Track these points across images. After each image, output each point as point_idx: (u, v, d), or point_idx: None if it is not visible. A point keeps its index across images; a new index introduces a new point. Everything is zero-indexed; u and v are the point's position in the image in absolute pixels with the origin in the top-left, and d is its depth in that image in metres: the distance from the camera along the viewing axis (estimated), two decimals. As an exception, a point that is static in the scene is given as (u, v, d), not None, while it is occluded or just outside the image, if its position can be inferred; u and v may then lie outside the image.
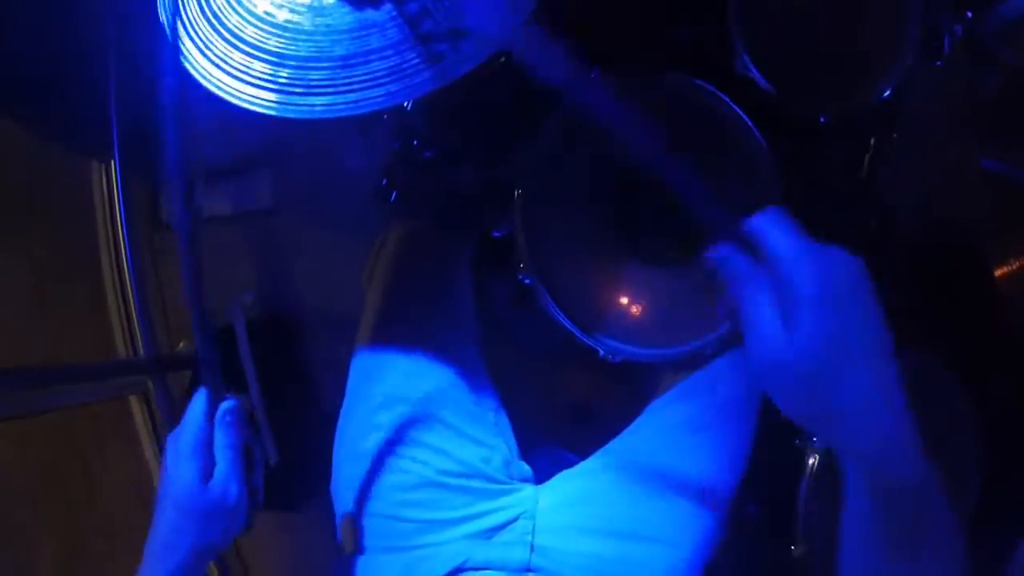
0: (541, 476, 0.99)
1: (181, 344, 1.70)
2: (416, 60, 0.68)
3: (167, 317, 1.69)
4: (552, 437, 1.07)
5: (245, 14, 0.74)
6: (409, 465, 0.90)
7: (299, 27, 0.73)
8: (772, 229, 0.53)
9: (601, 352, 0.93)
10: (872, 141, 1.16)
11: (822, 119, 0.98)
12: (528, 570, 0.87)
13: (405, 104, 1.10)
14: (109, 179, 1.61)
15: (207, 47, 0.74)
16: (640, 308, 0.97)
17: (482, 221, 1.00)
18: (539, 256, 0.90)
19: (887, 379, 0.50)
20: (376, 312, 0.98)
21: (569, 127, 0.94)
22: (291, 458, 1.48)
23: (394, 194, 1.17)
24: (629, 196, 0.98)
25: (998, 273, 1.11)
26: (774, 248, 0.53)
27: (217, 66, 0.73)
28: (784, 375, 0.51)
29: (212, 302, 1.59)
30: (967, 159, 1.13)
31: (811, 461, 1.03)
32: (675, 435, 0.94)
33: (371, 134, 1.36)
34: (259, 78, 0.72)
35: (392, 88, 0.68)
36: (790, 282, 0.51)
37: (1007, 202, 1.12)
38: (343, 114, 0.69)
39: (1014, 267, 1.12)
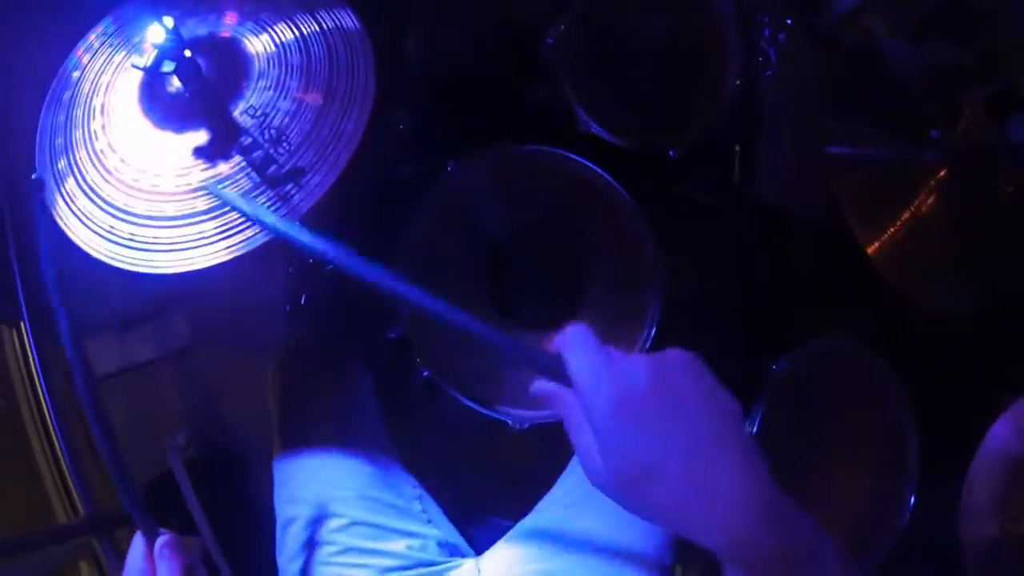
0: (484, 547, 1.04)
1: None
2: (267, 203, 0.78)
3: (106, 473, 1.70)
4: (490, 507, 1.13)
5: (115, 182, 0.84)
6: (349, 572, 0.96)
7: (161, 189, 0.83)
8: (569, 356, 0.56)
9: (509, 422, 1.01)
10: (737, 149, 1.30)
11: (672, 153, 1.11)
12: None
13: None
14: (22, 341, 1.64)
15: (83, 213, 0.83)
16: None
17: (378, 325, 1.09)
18: (432, 348, 0.99)
19: (719, 470, 0.52)
20: (280, 433, 1.05)
21: (435, 220, 1.05)
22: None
23: (299, 313, 1.26)
24: (500, 272, 1.08)
25: (870, 251, 1.23)
26: (573, 377, 0.55)
27: (98, 234, 0.82)
28: (610, 490, 0.54)
29: (147, 449, 1.62)
30: (821, 148, 1.25)
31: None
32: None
33: (273, 259, 1.45)
34: (128, 239, 0.81)
35: (252, 232, 0.78)
36: (588, 410, 0.54)
37: (862, 180, 1.25)
38: (215, 262, 0.79)
39: (883, 241, 1.25)
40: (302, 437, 1.04)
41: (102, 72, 0.86)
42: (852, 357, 1.23)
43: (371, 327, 1.10)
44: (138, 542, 0.76)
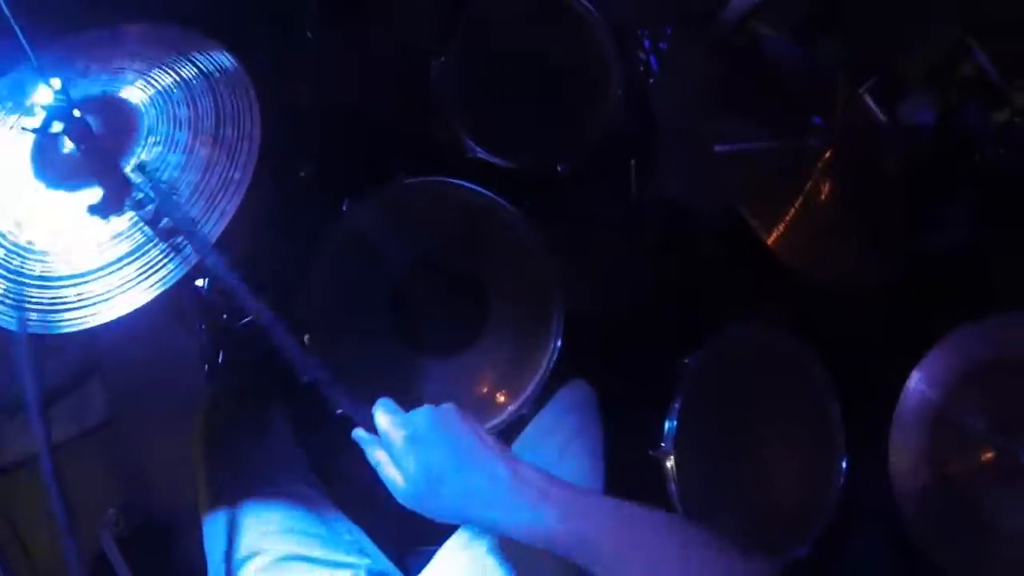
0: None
1: (56, 587, 1.65)
2: (161, 256, 0.80)
3: (34, 562, 1.64)
4: (421, 535, 1.14)
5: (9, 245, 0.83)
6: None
7: (59, 249, 0.83)
8: (378, 416, 0.82)
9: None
10: (632, 163, 1.38)
11: (560, 170, 1.17)
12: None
13: (201, 284, 1.21)
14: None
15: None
16: (443, 396, 1.09)
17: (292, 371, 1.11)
18: (343, 389, 1.01)
19: (479, 482, 0.76)
20: (207, 489, 1.06)
21: (336, 259, 1.08)
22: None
23: (217, 370, 1.26)
24: (403, 303, 1.12)
25: (769, 240, 1.32)
26: (380, 429, 0.81)
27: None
28: (414, 502, 0.78)
29: (78, 532, 1.58)
30: (710, 148, 1.33)
31: (668, 464, 1.16)
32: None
33: (186, 318, 1.45)
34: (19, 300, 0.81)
35: (147, 287, 0.79)
36: (389, 450, 0.79)
37: (753, 174, 1.33)
38: (114, 316, 0.80)
39: (780, 230, 1.33)
40: (229, 490, 1.05)
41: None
42: (764, 339, 1.30)
43: (287, 374, 1.12)
44: None
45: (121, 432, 1.62)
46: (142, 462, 1.63)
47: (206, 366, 1.29)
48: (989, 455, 1.33)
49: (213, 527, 1.04)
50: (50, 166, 0.83)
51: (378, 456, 0.81)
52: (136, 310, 0.82)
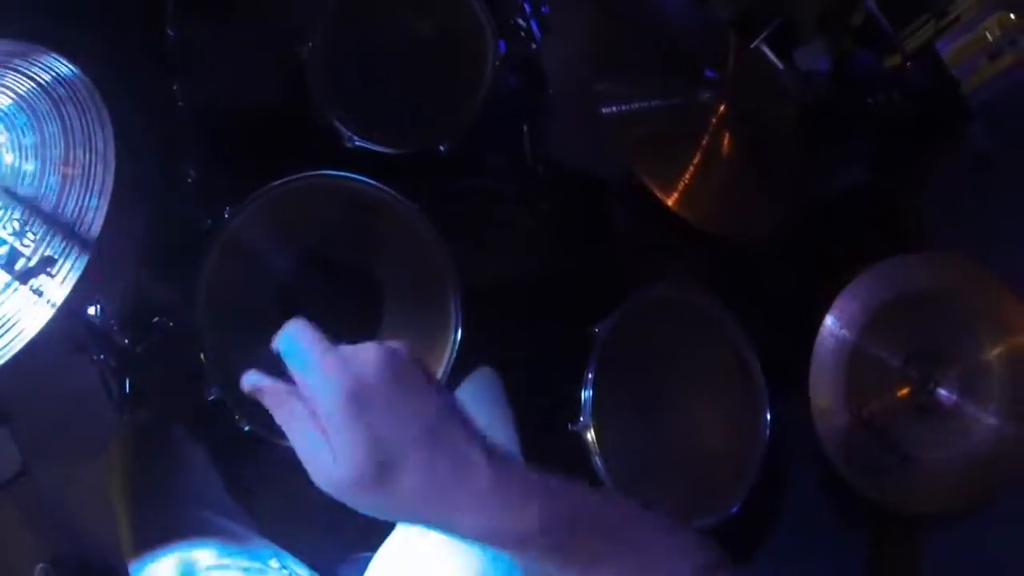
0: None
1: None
2: (22, 302, 0.77)
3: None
4: (353, 544, 1.14)
5: None
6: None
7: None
8: (289, 353, 0.54)
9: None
10: (525, 130, 1.38)
11: (442, 149, 1.16)
12: None
13: (92, 313, 1.17)
14: None
15: None
16: None
17: (198, 391, 1.09)
18: (246, 401, 1.00)
19: (450, 455, 0.52)
20: (126, 527, 1.03)
21: (222, 267, 1.06)
22: None
23: (123, 398, 1.22)
24: (294, 304, 1.10)
25: (670, 202, 1.34)
26: (295, 369, 0.54)
27: None
28: (349, 493, 0.51)
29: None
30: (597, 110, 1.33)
31: (589, 437, 1.18)
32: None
33: (86, 350, 1.40)
34: None
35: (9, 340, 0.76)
36: (315, 402, 0.52)
37: (645, 135, 1.35)
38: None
39: (680, 190, 1.35)
40: (148, 530, 1.02)
41: None
42: (674, 300, 1.32)
43: (192, 395, 1.09)
44: None
45: (39, 481, 1.56)
46: (66, 508, 1.57)
47: (112, 398, 1.25)
48: (905, 390, 1.39)
49: (138, 572, 1.01)
50: None
51: (296, 423, 0.54)
52: (31, 351, 0.79)
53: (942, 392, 1.38)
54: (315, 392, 0.52)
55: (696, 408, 1.31)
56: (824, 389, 1.37)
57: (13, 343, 0.76)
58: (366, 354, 0.53)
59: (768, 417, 1.34)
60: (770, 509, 1.46)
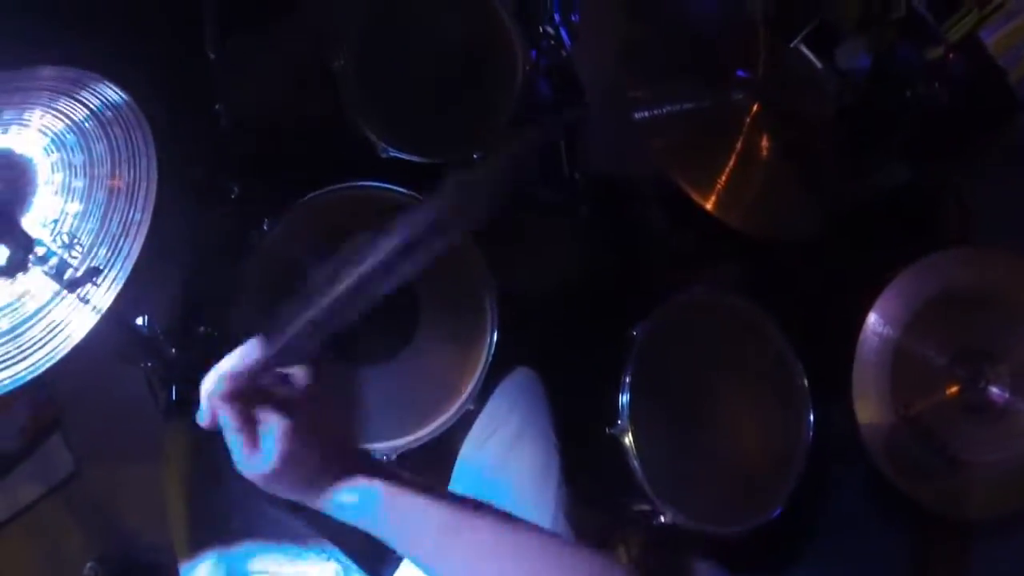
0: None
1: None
2: (70, 308, 0.80)
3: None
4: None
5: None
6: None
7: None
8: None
9: (381, 457, 1.06)
10: (562, 146, 1.38)
11: (476, 158, 1.18)
12: None
13: (140, 323, 1.21)
14: None
15: None
16: (387, 402, 1.10)
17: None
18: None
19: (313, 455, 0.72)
20: (181, 523, 1.06)
21: (261, 281, 1.09)
22: None
23: (171, 407, 1.26)
24: None
25: (708, 205, 1.31)
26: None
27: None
28: (262, 482, 0.73)
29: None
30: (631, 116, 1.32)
31: (627, 440, 1.18)
32: (485, 485, 1.07)
33: (135, 359, 1.44)
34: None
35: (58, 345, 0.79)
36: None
37: (680, 139, 1.33)
38: (27, 380, 0.79)
39: (718, 193, 1.33)
40: (202, 536, 1.05)
41: None
42: (713, 302, 1.31)
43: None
44: None
45: (90, 483, 1.61)
46: (115, 509, 1.62)
47: (159, 405, 1.29)
48: (953, 389, 1.35)
49: (189, 572, 1.04)
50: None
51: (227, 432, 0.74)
52: (81, 357, 0.82)
53: (993, 390, 1.34)
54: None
55: (736, 411, 1.29)
56: (868, 389, 1.35)
57: (61, 347, 0.78)
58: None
59: (811, 419, 1.32)
60: (814, 512, 1.43)
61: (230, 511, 1.08)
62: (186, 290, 1.26)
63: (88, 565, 1.57)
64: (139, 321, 1.21)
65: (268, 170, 1.32)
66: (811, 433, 1.31)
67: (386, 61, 1.23)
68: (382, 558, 1.13)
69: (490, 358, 1.12)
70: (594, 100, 1.37)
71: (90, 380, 1.54)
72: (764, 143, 1.40)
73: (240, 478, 1.11)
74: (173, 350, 1.29)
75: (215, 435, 1.15)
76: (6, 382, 0.80)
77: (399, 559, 1.11)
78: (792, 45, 1.44)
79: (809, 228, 1.41)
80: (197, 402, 1.23)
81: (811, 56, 1.45)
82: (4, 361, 0.80)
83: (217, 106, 1.26)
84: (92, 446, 1.61)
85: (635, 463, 1.16)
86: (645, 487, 1.16)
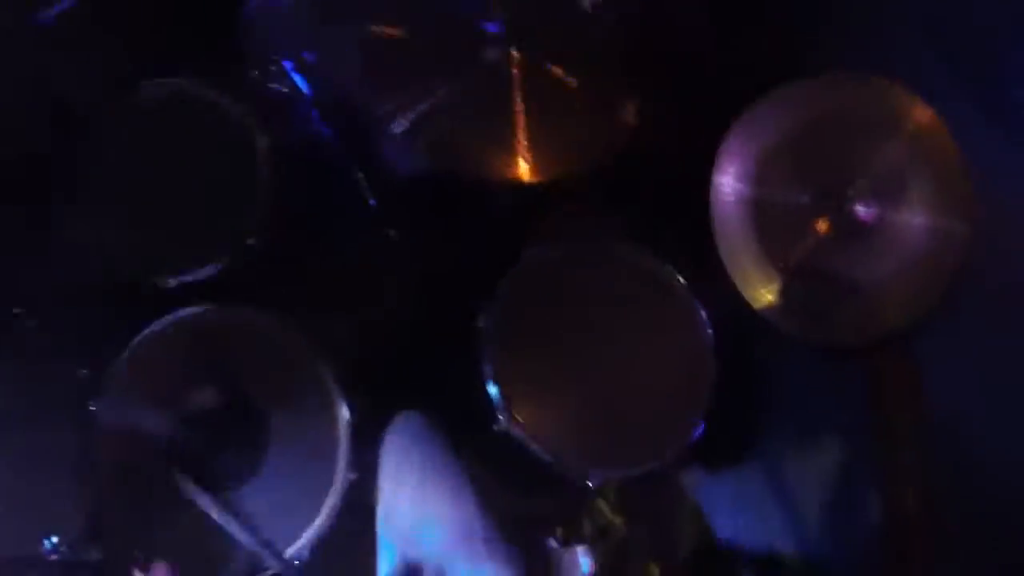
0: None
1: None
2: None
3: None
4: None
5: None
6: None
7: None
8: None
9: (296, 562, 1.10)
10: (360, 176, 1.36)
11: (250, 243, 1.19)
12: None
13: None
14: None
15: None
16: (268, 512, 1.11)
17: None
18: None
19: None
20: None
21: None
22: None
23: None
24: (187, 460, 1.13)
25: (523, 176, 1.28)
26: None
27: None
28: None
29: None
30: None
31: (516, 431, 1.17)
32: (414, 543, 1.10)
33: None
34: None
35: None
36: None
37: (449, 127, 1.28)
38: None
39: (513, 157, 1.28)
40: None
41: None
42: (553, 258, 1.27)
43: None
44: None
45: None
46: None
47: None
48: (823, 225, 1.30)
49: None
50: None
51: None
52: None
53: (860, 209, 1.29)
54: None
55: (626, 343, 1.26)
56: (741, 261, 1.31)
57: None
58: None
59: (704, 316, 1.30)
60: (751, 404, 1.42)
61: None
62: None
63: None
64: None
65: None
66: (709, 331, 1.29)
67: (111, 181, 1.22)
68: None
69: (349, 429, 1.13)
70: (357, 127, 1.34)
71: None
72: (545, 81, 1.36)
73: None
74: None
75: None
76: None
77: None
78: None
79: (626, 132, 1.37)
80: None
81: None
82: None
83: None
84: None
85: (534, 447, 1.16)
86: (555, 462, 1.17)
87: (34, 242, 1.20)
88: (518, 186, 1.30)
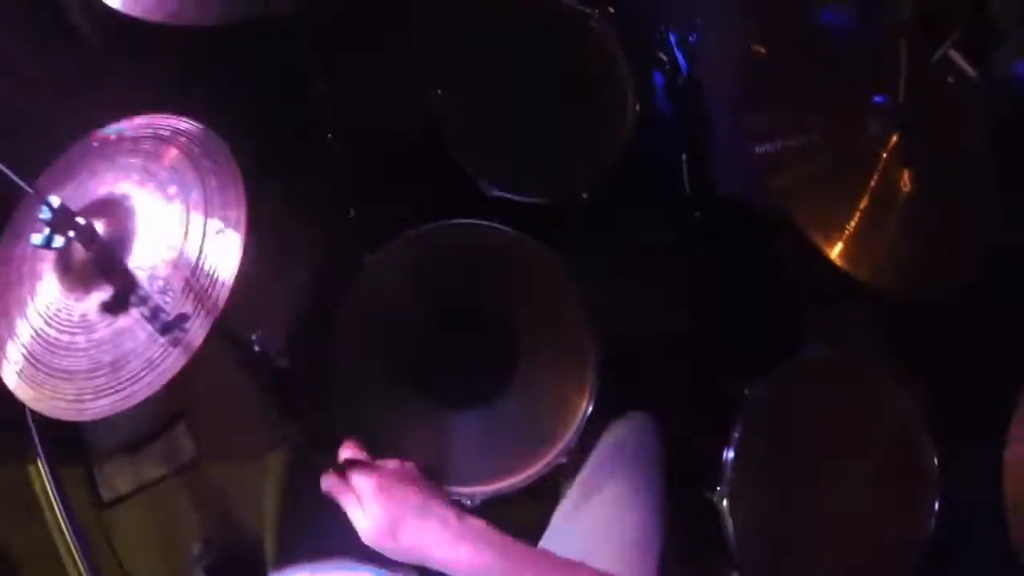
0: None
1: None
2: (161, 349, 0.82)
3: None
4: None
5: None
6: None
7: (77, 345, 0.88)
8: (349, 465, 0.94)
9: (465, 502, 1.03)
10: (684, 159, 1.29)
11: (584, 196, 1.11)
12: None
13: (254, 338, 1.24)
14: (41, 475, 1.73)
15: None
16: (476, 447, 1.07)
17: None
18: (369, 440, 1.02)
19: (432, 519, 0.90)
20: (273, 539, 1.09)
21: (359, 317, 1.08)
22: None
23: (283, 419, 1.29)
24: (429, 357, 1.10)
25: (834, 254, 1.16)
26: (352, 477, 0.93)
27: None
28: (375, 540, 0.90)
29: (167, 564, 1.68)
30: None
31: (724, 504, 1.09)
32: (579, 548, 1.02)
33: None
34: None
35: (150, 379, 0.82)
36: (359, 491, 0.92)
37: (805, 175, 1.18)
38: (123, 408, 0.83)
39: (845, 238, 1.17)
40: (295, 546, 1.09)
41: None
42: (836, 363, 1.18)
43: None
44: None
45: (208, 471, 1.71)
46: (227, 499, 1.72)
47: (273, 415, 1.32)
48: None
49: None
50: (69, 270, 0.87)
51: (346, 500, 0.92)
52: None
53: None
54: (359, 486, 0.93)
55: (850, 487, 1.16)
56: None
57: (156, 382, 0.82)
58: (387, 464, 0.97)
59: (936, 507, 1.17)
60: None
61: (322, 530, 1.09)
62: (298, 306, 1.28)
63: (196, 545, 1.67)
64: (253, 336, 1.23)
65: (380, 198, 1.31)
66: (933, 521, 1.16)
67: (486, 92, 1.18)
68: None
69: (588, 411, 1.07)
70: (714, 129, 1.26)
71: (216, 378, 1.63)
72: (904, 181, 1.24)
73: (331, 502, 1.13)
74: (283, 364, 1.32)
75: (318, 453, 1.18)
76: (104, 409, 0.85)
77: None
78: (939, 53, 1.25)
79: (952, 282, 1.24)
80: (303, 415, 1.26)
81: (962, 63, 1.26)
82: (105, 391, 0.85)
83: (329, 135, 1.27)
84: (214, 437, 1.71)
85: (729, 529, 1.07)
86: (735, 553, 1.08)
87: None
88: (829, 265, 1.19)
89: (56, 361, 0.88)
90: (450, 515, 0.89)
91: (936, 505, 1.16)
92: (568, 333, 1.09)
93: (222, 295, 0.80)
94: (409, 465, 0.96)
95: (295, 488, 1.16)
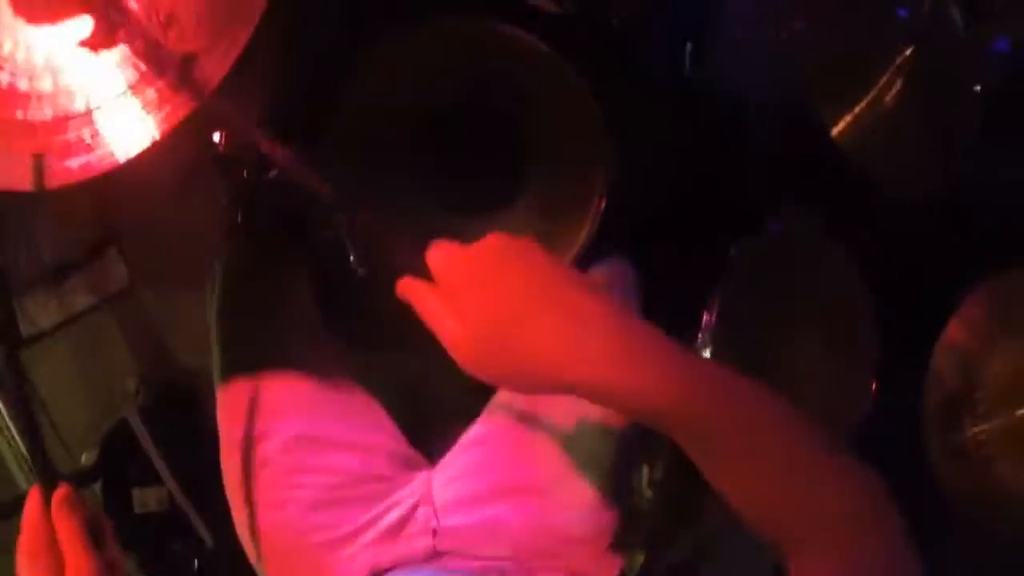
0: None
1: (84, 456, 1.68)
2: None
3: (60, 434, 1.66)
4: (448, 416, 1.10)
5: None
6: (296, 494, 0.94)
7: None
8: (432, 252, 0.62)
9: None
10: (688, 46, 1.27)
11: (613, 22, 1.07)
12: (437, 554, 0.91)
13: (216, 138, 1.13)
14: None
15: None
16: None
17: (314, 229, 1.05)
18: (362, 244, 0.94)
19: (568, 329, 0.55)
20: (219, 354, 1.02)
21: (365, 102, 0.99)
22: (227, 536, 1.48)
23: (235, 228, 1.20)
24: (435, 155, 1.03)
25: (835, 132, 1.21)
26: (433, 267, 0.61)
27: None
28: (479, 357, 0.57)
29: (98, 399, 1.59)
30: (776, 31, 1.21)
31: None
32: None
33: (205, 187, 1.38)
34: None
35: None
36: (442, 282, 0.60)
37: (825, 57, 1.21)
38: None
39: (847, 121, 1.22)
40: (241, 361, 1.01)
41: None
42: (812, 242, 1.22)
43: (307, 232, 1.06)
44: (31, 500, 0.70)
45: (141, 301, 1.60)
46: (161, 330, 1.62)
47: (223, 226, 1.23)
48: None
49: (225, 401, 1.01)
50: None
51: (430, 304, 0.60)
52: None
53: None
54: (441, 272, 0.60)
55: (806, 351, 1.21)
56: (938, 393, 1.22)
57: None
58: (485, 240, 0.61)
59: (872, 388, 1.22)
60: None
61: (278, 339, 1.03)
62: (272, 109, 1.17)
63: (129, 380, 1.58)
64: (215, 137, 1.13)
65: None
66: (869, 403, 1.22)
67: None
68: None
69: (593, 230, 1.02)
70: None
71: (153, 202, 1.50)
72: (903, 90, 1.27)
73: (294, 304, 1.04)
74: (245, 172, 1.22)
75: (273, 267, 1.10)
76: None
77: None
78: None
79: (924, 188, 1.29)
80: (263, 226, 1.15)
81: (957, 19, 1.28)
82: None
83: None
84: (148, 266, 1.59)
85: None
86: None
87: None
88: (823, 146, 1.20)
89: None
90: (598, 307, 0.56)
91: (873, 387, 1.22)
92: (579, 155, 1.05)
93: (244, 32, 0.71)
94: (524, 238, 0.61)
95: (246, 301, 1.06)
